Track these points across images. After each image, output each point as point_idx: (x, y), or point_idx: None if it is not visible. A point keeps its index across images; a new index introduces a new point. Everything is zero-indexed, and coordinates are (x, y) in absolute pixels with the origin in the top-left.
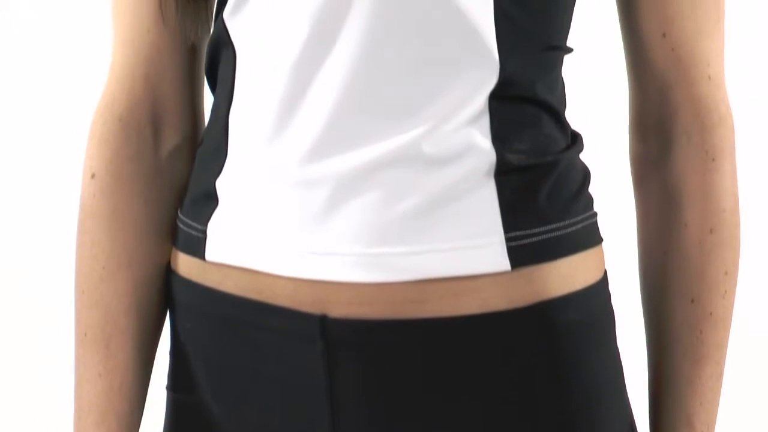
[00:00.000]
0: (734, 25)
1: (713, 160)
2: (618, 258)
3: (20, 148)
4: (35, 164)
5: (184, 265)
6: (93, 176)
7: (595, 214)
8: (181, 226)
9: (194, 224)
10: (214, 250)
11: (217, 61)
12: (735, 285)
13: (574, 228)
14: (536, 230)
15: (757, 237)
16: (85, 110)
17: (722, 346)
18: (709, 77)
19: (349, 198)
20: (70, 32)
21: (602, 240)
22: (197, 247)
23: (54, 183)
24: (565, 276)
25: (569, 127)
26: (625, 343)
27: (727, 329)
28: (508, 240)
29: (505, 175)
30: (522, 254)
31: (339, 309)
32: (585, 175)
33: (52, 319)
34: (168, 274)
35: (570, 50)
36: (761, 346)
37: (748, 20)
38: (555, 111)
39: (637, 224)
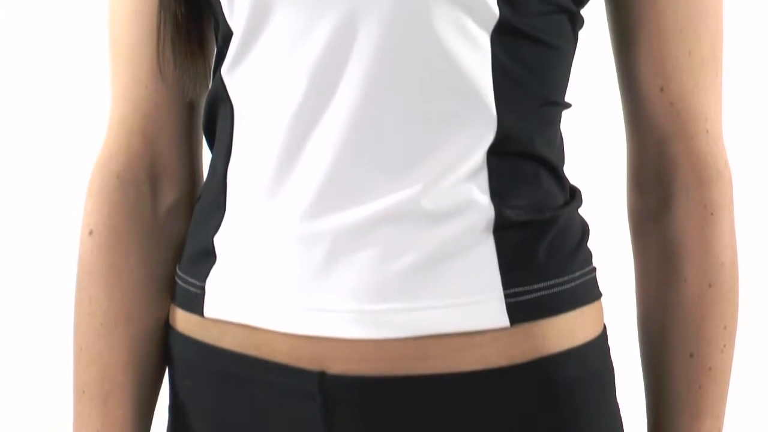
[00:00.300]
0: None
1: (712, 214)
2: (617, 312)
3: (20, 149)
4: (36, 168)
5: (183, 321)
6: (91, 233)
7: (594, 269)
8: (179, 282)
9: (192, 280)
10: (212, 307)
11: (215, 117)
12: (734, 339)
13: (573, 284)
14: (535, 286)
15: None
16: (85, 111)
17: (722, 400)
18: (707, 131)
19: (347, 254)
20: (70, 32)
21: (601, 295)
22: (196, 304)
23: (54, 186)
24: (564, 332)
25: (568, 182)
26: (625, 397)
27: (726, 383)
28: (507, 296)
29: (503, 230)
30: (521, 310)
31: (338, 365)
32: (584, 231)
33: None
34: (166, 330)
35: (568, 105)
36: (761, 346)
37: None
38: (554, 166)
39: (635, 278)
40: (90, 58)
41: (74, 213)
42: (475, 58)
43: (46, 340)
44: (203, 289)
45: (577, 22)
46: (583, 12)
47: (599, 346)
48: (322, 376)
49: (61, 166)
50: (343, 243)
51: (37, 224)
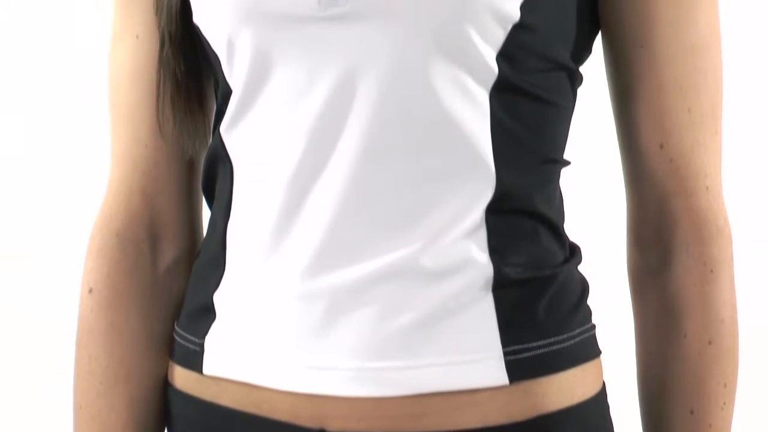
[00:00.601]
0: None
1: (711, 271)
2: (617, 369)
3: (20, 149)
4: (36, 168)
5: (182, 378)
6: (90, 291)
7: (594, 326)
8: (178, 339)
9: (192, 338)
10: (211, 364)
11: (214, 176)
12: (734, 396)
13: (572, 341)
14: (534, 344)
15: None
16: (85, 111)
17: None
18: (707, 188)
19: (347, 312)
20: (70, 33)
21: (600, 352)
22: (195, 361)
23: (54, 186)
24: (563, 389)
25: (567, 239)
26: None
27: None
28: (506, 354)
29: (502, 288)
30: (520, 368)
31: (338, 423)
32: (583, 288)
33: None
34: (165, 387)
35: (567, 163)
36: (761, 347)
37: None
38: (553, 224)
39: (635, 335)
40: (90, 59)
41: (73, 213)
42: (474, 116)
43: (46, 340)
44: (202, 346)
45: (575, 79)
46: (582, 69)
47: (599, 403)
48: None
49: (61, 166)
50: (343, 301)
51: (36, 224)
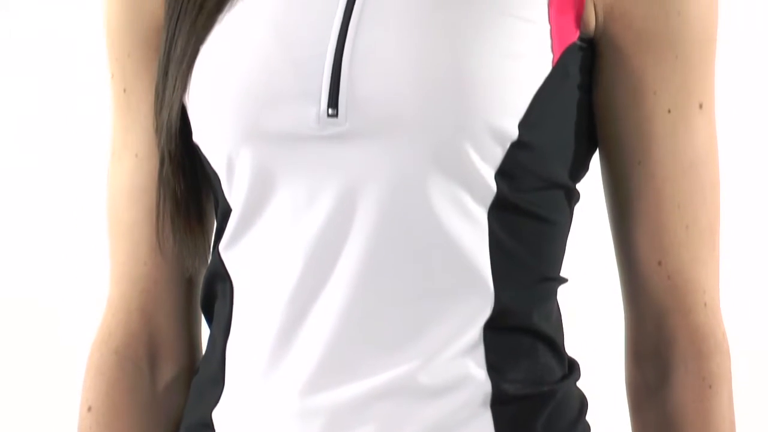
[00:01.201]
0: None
1: (710, 387)
2: None
3: (20, 149)
4: (36, 168)
5: None
6: (89, 409)
7: None
8: None
9: None
10: None
11: (213, 294)
12: None
13: None
14: None
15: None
16: (85, 111)
17: None
18: (705, 304)
19: (346, 429)
20: (70, 33)
21: None
22: None
23: (53, 186)
24: None
25: (566, 355)
26: None
27: None
28: None
29: (501, 405)
30: None
31: None
32: (582, 404)
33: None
34: None
35: (565, 280)
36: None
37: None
38: (551, 340)
39: None
40: (90, 59)
41: (73, 213)
42: (472, 234)
43: (47, 339)
44: None
45: (573, 197)
46: (579, 186)
47: None
48: None
49: (61, 166)
50: (342, 418)
51: (36, 224)
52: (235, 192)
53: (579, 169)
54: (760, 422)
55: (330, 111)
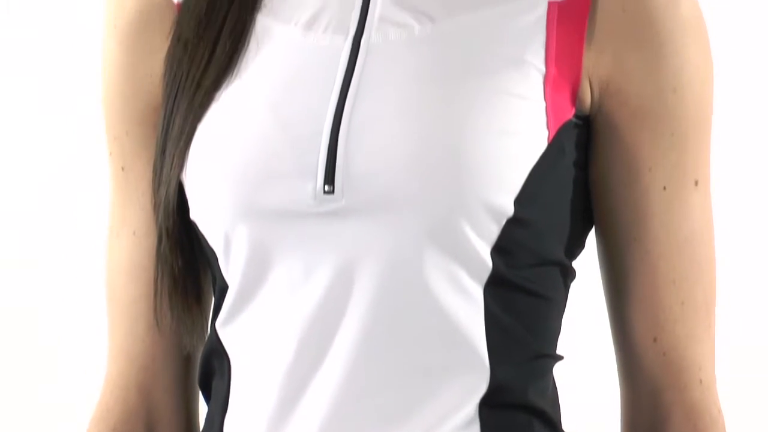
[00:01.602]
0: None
1: None
2: None
3: (20, 149)
4: (35, 168)
5: None
6: None
7: None
8: None
9: None
10: None
11: (211, 371)
12: None
13: None
14: None
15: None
16: (85, 111)
17: None
18: (701, 381)
19: None
20: (70, 33)
21: None
22: None
23: (53, 186)
24: None
25: (562, 430)
26: None
27: None
28: None
29: None
30: None
31: None
32: None
33: None
34: None
35: (561, 358)
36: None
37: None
38: (547, 416)
39: None
40: (90, 59)
41: (71, 213)
42: (468, 311)
43: (49, 340)
44: None
45: (568, 274)
46: (574, 263)
47: None
48: None
49: (60, 166)
50: None
51: (36, 224)
52: (231, 269)
53: (575, 246)
54: (761, 422)
55: (326, 187)
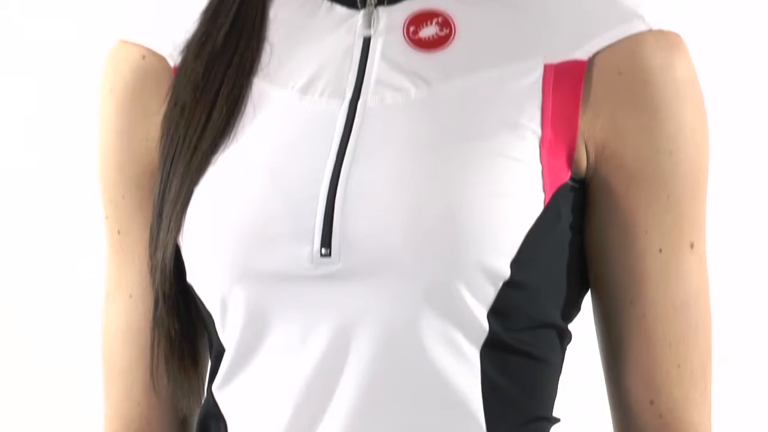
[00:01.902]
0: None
1: None
2: None
3: (19, 149)
4: (35, 168)
5: None
6: None
7: None
8: None
9: None
10: None
11: None
12: None
13: None
14: None
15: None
16: (85, 111)
17: None
18: None
19: None
20: (70, 33)
21: None
22: None
23: (53, 186)
24: None
25: None
26: None
27: None
28: None
29: None
30: None
31: None
32: None
33: None
34: None
35: (557, 420)
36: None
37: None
38: None
39: None
40: (90, 59)
41: (71, 212)
42: (464, 374)
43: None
44: None
45: (564, 337)
46: (571, 327)
47: None
48: None
49: (60, 166)
50: None
51: (36, 224)
52: (228, 332)
53: (571, 309)
54: (760, 422)
55: (323, 250)
